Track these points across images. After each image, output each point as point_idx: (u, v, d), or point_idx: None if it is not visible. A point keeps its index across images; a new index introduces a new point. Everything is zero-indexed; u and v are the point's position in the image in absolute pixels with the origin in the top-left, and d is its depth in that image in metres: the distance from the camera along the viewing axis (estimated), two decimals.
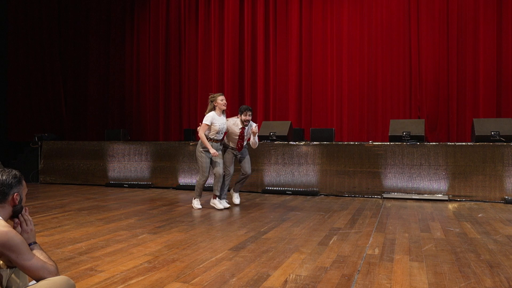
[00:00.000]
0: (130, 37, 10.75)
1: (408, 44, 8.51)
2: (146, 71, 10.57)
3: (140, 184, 8.40)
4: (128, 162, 8.61)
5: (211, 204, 5.88)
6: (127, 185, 8.44)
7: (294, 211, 5.69)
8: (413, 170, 6.82)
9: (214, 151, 5.56)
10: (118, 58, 10.82)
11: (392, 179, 6.92)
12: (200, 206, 5.84)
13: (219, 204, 5.82)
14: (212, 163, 5.71)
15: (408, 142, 6.95)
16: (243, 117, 5.80)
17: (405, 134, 7.02)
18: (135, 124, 10.60)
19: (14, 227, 2.20)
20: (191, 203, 6.14)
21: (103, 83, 10.96)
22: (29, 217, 2.28)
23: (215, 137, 5.67)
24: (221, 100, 5.69)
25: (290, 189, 7.42)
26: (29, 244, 2.20)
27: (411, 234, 4.28)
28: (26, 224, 2.23)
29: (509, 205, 6.22)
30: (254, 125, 5.78)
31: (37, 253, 2.16)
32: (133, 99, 10.66)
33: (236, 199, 6.22)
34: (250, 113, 5.81)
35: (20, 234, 2.17)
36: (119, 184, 8.52)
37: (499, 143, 6.51)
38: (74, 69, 11.16)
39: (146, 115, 10.54)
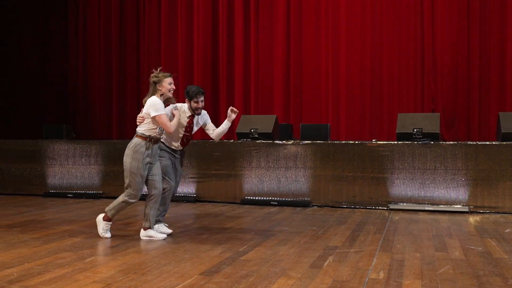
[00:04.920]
0: (74, 10, 10.60)
1: (420, 22, 8.61)
2: (95, 52, 10.45)
3: (88, 193, 8.30)
4: (73, 166, 8.50)
5: (144, 237, 4.98)
6: (71, 195, 8.33)
7: (281, 226, 5.70)
8: (426, 176, 6.91)
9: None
10: (59, 37, 10.67)
11: (401, 187, 7.00)
12: (108, 235, 5.03)
13: (158, 233, 5.05)
14: (149, 176, 4.95)
15: (419, 141, 7.03)
16: (193, 104, 5.12)
17: (416, 131, 7.09)
18: (82, 119, 10.46)
19: None
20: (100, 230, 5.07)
21: (40, 67, 10.79)
22: None
23: (156, 135, 4.90)
24: (169, 83, 4.90)
25: (275, 199, 7.43)
26: None
27: (424, 254, 4.32)
28: None
29: None
30: (205, 113, 5.34)
31: None
32: (79, 87, 10.52)
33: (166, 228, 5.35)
34: (203, 98, 5.16)
35: None
36: (61, 194, 8.40)
37: None
38: (1, 46, 10.94)
39: (95, 107, 10.42)
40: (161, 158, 5.19)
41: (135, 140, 4.86)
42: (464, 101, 8.43)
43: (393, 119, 8.27)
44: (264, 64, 9.37)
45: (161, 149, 5.24)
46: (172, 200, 7.65)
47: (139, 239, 4.94)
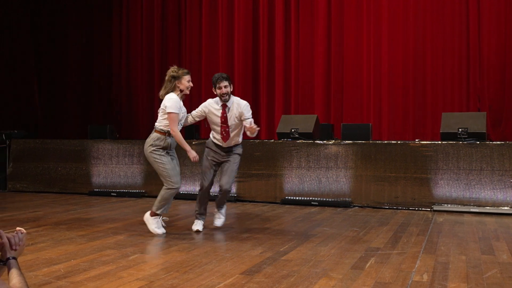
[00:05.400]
0: (118, 12, 10.82)
1: (466, 17, 8.40)
2: (138, 53, 10.63)
3: (131, 192, 8.46)
4: (116, 165, 8.68)
5: (146, 220, 5.26)
6: (115, 194, 8.51)
7: (322, 226, 5.67)
8: (471, 176, 6.74)
9: (195, 154, 5.02)
10: (103, 38, 10.90)
11: (445, 188, 6.86)
12: (163, 230, 5.17)
13: (157, 228, 5.18)
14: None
15: (465, 140, 6.87)
16: (218, 90, 5.12)
17: (461, 130, 6.94)
18: (125, 119, 10.67)
19: (1, 238, 2.27)
20: (151, 224, 5.24)
21: (85, 69, 11.06)
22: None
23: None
24: (187, 81, 5.11)
25: (316, 199, 7.40)
26: (7, 258, 2.25)
27: (470, 257, 4.22)
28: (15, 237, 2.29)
29: None
30: (243, 104, 5.17)
31: (13, 274, 2.20)
32: (122, 88, 10.74)
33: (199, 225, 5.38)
34: (227, 82, 5.10)
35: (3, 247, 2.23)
36: (105, 193, 8.59)
37: None
38: (49, 50, 11.27)
39: (138, 108, 10.60)
40: (205, 157, 5.36)
41: (154, 135, 5.11)
42: None
43: (437, 118, 8.11)
44: (304, 63, 9.33)
45: (208, 147, 5.36)
46: (212, 200, 7.76)
47: (181, 238, 5.00)
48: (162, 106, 5.12)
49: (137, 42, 10.65)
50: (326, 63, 9.18)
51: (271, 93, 9.51)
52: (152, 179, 8.39)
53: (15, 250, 2.29)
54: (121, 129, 10.49)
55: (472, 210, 6.65)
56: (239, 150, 5.37)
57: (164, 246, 4.62)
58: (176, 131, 5.02)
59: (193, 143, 8.18)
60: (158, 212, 5.13)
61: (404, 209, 6.96)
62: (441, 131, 7.12)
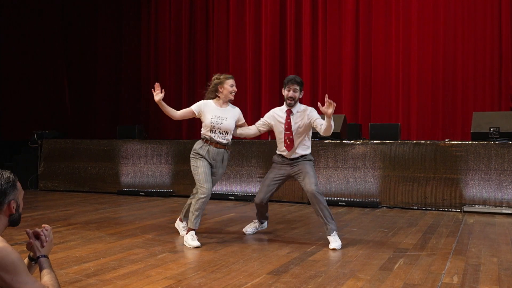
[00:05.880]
0: (146, 14, 10.94)
1: (498, 14, 8.24)
2: (166, 55, 10.73)
3: (159, 191, 8.55)
4: (144, 165, 8.78)
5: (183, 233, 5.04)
6: (143, 193, 8.61)
7: (349, 226, 5.64)
8: (503, 177, 6.61)
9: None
10: (132, 40, 11.04)
11: (476, 188, 6.74)
12: (197, 243, 4.60)
13: (193, 240, 4.64)
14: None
15: (496, 140, 6.75)
16: (285, 92, 4.78)
17: (493, 130, 6.82)
18: (153, 119, 10.77)
19: (29, 237, 2.33)
20: (184, 234, 4.95)
21: (114, 69, 11.21)
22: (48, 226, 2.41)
23: (214, 138, 4.82)
24: (230, 85, 4.84)
25: (343, 199, 7.36)
26: (37, 257, 2.30)
27: (501, 259, 4.14)
28: (44, 234, 2.35)
29: None
30: (310, 108, 4.84)
31: (44, 272, 2.25)
32: (150, 89, 10.82)
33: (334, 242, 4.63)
34: (298, 87, 4.77)
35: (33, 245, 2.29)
36: (134, 192, 8.70)
37: None
38: (79, 52, 11.46)
39: None
40: (269, 171, 5.02)
41: (198, 141, 4.97)
42: None
43: (468, 118, 7.99)
44: (332, 63, 9.28)
45: (274, 162, 4.96)
46: (239, 200, 7.82)
47: (209, 237, 5.03)
48: None
49: (165, 43, 10.75)
50: (354, 62, 9.12)
51: None
52: (180, 179, 8.47)
53: (44, 247, 2.34)
54: (149, 129, 10.60)
55: (504, 211, 6.53)
56: (308, 157, 4.90)
57: None
58: (170, 113, 5.36)
59: None
60: (194, 227, 4.73)
61: (433, 210, 6.87)
62: (471, 131, 7.01)
